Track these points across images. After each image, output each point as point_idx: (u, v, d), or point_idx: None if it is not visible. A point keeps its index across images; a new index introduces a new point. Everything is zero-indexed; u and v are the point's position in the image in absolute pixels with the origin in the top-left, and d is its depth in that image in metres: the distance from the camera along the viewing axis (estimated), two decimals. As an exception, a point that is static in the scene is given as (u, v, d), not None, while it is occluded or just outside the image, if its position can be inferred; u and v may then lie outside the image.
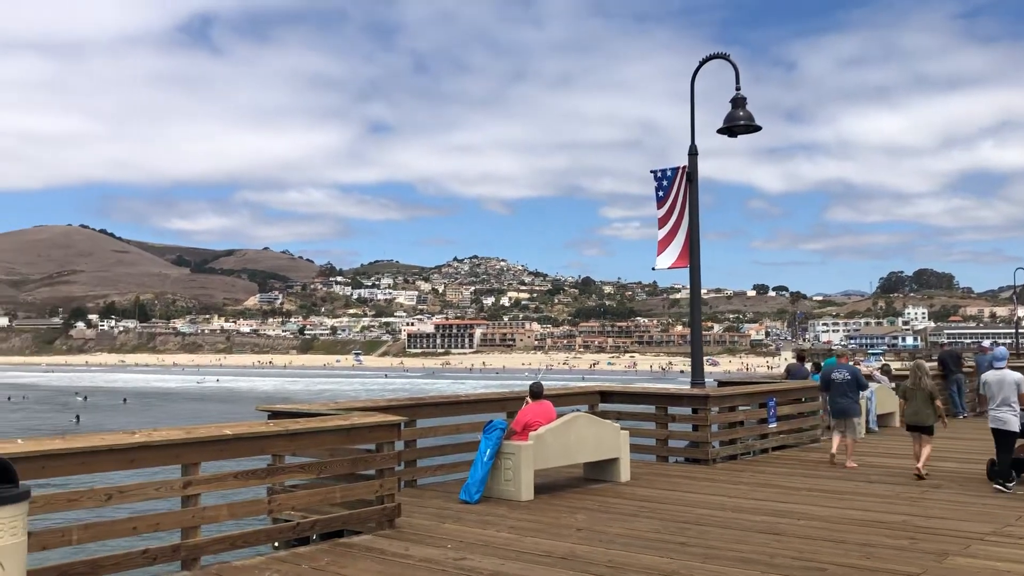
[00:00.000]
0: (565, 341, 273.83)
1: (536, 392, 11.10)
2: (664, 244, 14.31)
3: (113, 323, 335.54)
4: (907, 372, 14.78)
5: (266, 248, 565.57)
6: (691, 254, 14.25)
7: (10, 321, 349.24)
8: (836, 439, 13.80)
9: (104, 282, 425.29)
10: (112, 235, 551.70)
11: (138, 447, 6.86)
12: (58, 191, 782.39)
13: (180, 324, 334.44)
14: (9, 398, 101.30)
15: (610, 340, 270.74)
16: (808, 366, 19.46)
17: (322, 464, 8.46)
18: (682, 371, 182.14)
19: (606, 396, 14.35)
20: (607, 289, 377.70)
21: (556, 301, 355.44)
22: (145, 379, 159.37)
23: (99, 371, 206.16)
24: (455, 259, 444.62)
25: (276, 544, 8.50)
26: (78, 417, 70.28)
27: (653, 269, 14.49)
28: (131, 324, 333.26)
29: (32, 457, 6.16)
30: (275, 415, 9.78)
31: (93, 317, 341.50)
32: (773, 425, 15.08)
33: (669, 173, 14.41)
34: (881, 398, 18.75)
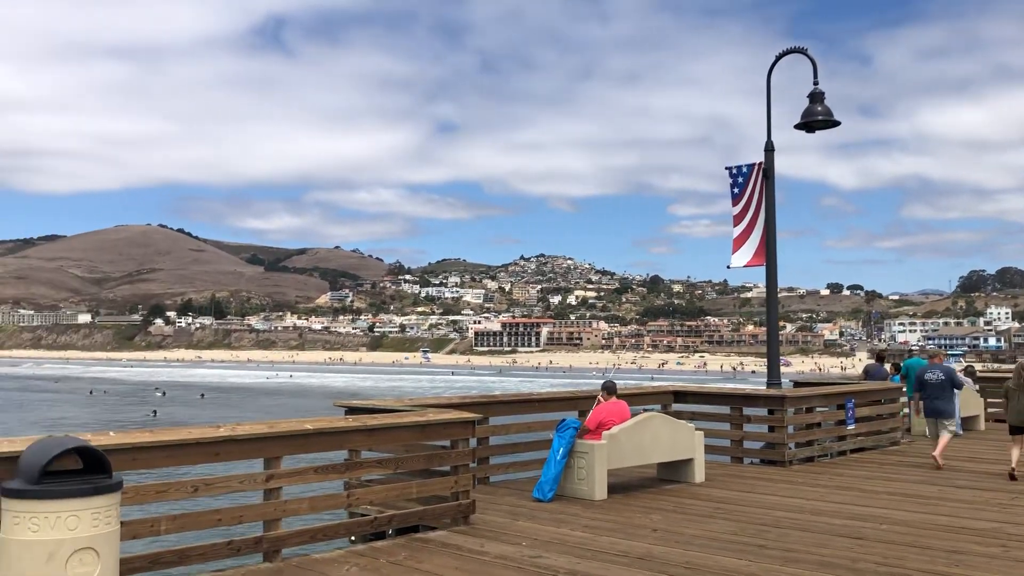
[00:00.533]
0: (633, 340, 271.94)
1: (610, 389, 11.05)
2: (739, 242, 14.10)
3: (190, 320, 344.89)
4: (992, 375, 14.32)
5: (337, 247, 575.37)
6: (767, 252, 14.01)
7: (92, 318, 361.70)
8: (943, 440, 13.46)
9: (182, 280, 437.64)
10: (189, 234, 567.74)
11: (223, 441, 7.02)
12: (138, 192, 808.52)
13: (254, 321, 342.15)
14: (91, 392, 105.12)
15: (679, 339, 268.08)
16: (887, 367, 18.96)
17: (398, 459, 8.56)
18: (753, 371, 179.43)
19: (680, 396, 14.20)
20: (676, 288, 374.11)
21: (624, 300, 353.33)
22: (221, 374, 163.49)
23: (177, 367, 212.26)
24: (522, 257, 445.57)
25: (353, 538, 8.62)
26: (155, 412, 72.39)
27: (728, 267, 14.31)
28: (207, 321, 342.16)
29: (123, 449, 6.35)
30: (352, 411, 9.91)
31: (171, 314, 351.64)
32: (851, 427, 14.74)
33: (744, 169, 14.19)
34: (965, 400, 18.14)
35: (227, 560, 7.07)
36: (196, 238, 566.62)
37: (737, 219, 14.18)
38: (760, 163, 14.17)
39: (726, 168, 14.41)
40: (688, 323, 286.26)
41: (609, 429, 10.60)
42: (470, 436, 8.93)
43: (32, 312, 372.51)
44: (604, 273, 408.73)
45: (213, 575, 6.89)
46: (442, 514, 8.63)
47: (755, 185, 14.09)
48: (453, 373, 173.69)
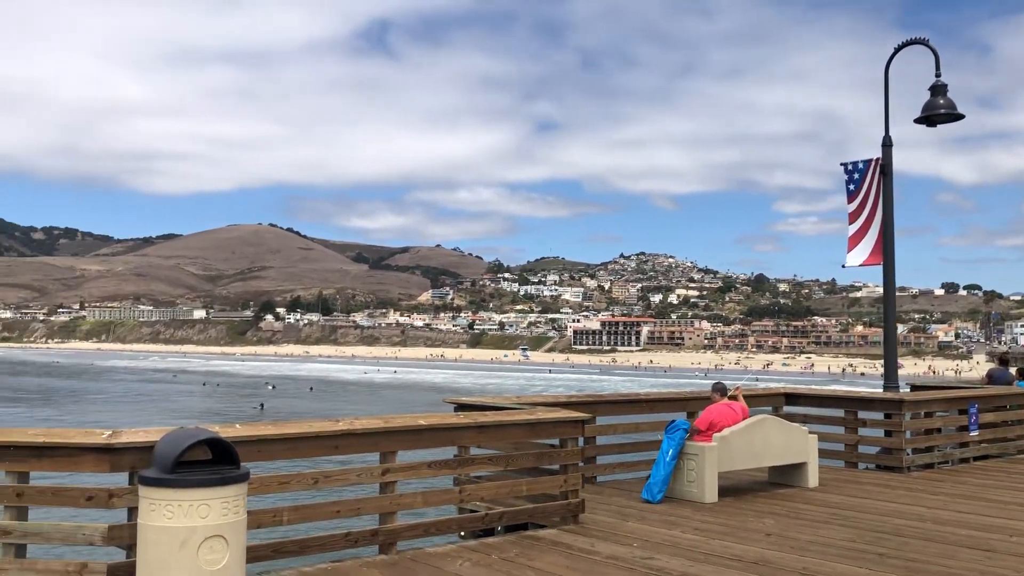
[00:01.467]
0: (736, 340, 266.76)
1: (722, 390, 10.88)
2: (855, 240, 13.66)
3: (298, 316, 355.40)
4: None
5: (438, 245, 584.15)
6: (885, 251, 13.52)
7: (207, 313, 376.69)
8: None
9: (291, 278, 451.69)
10: (298, 233, 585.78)
11: (341, 434, 7.22)
12: (250, 192, 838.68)
13: (359, 318, 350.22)
14: (204, 384, 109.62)
15: (785, 340, 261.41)
16: (1012, 371, 18.03)
17: (509, 457, 8.62)
18: (863, 374, 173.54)
19: (791, 398, 13.84)
20: (782, 287, 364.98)
21: (727, 299, 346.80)
22: (327, 369, 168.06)
23: (287, 361, 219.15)
24: (621, 256, 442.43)
25: (462, 533, 8.74)
26: (262, 405, 74.87)
27: (843, 267, 13.88)
28: (314, 317, 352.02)
29: (249, 441, 6.59)
30: (461, 407, 10.03)
31: (280, 310, 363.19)
32: (975, 433, 14.08)
33: (861, 166, 13.74)
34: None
35: (345, 551, 7.27)
36: (304, 237, 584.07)
37: (853, 217, 13.74)
38: (877, 159, 13.69)
39: (841, 164, 13.98)
40: (794, 323, 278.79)
41: (720, 431, 10.43)
42: (579, 435, 8.92)
43: (151, 308, 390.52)
44: (707, 271, 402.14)
45: (331, 565, 7.09)
46: (552, 512, 8.66)
47: (872, 181, 13.62)
48: (551, 371, 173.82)
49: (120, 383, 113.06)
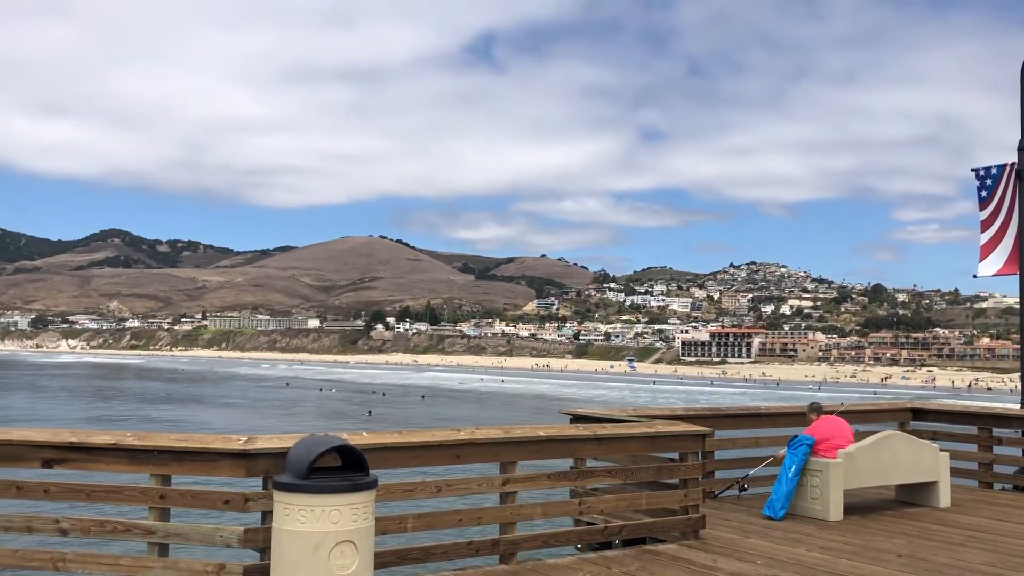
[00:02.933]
0: (853, 353, 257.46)
1: (818, 410, 10.67)
2: (988, 249, 13.01)
3: (407, 326, 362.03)
4: None
5: (543, 256, 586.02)
6: (1021, 260, 12.82)
7: (321, 323, 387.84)
8: None
9: (400, 288, 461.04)
10: (407, 245, 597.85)
11: (463, 444, 7.31)
12: (361, 205, 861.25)
13: (466, 327, 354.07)
14: (320, 390, 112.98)
15: (904, 352, 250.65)
16: None
17: (628, 470, 8.55)
18: (989, 388, 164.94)
19: (919, 414, 13.25)
20: (901, 297, 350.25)
21: (843, 309, 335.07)
22: (435, 377, 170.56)
23: (397, 369, 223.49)
24: (731, 265, 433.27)
25: (579, 546, 8.71)
26: (370, 412, 76.43)
27: (975, 276, 13.22)
28: (423, 327, 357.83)
29: (376, 449, 6.74)
30: (577, 419, 10.02)
31: (390, 320, 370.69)
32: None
33: (994, 171, 13.09)
34: None
35: (467, 560, 7.35)
36: (413, 248, 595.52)
37: (985, 224, 13.10)
38: (1012, 163, 13.01)
39: (972, 170, 13.35)
40: (914, 335, 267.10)
41: (842, 447, 10.10)
42: (700, 449, 8.78)
43: (268, 317, 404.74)
44: (821, 281, 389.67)
45: (454, 573, 7.17)
46: (671, 527, 8.54)
47: (1006, 187, 12.95)
48: (655, 382, 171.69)
49: (240, 389, 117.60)
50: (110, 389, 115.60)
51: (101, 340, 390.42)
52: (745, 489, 10.76)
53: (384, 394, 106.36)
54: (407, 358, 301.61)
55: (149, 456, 6.47)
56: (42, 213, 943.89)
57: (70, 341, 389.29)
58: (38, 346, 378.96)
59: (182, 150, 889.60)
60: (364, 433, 7.04)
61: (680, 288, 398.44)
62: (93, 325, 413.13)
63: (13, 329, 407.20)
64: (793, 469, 9.97)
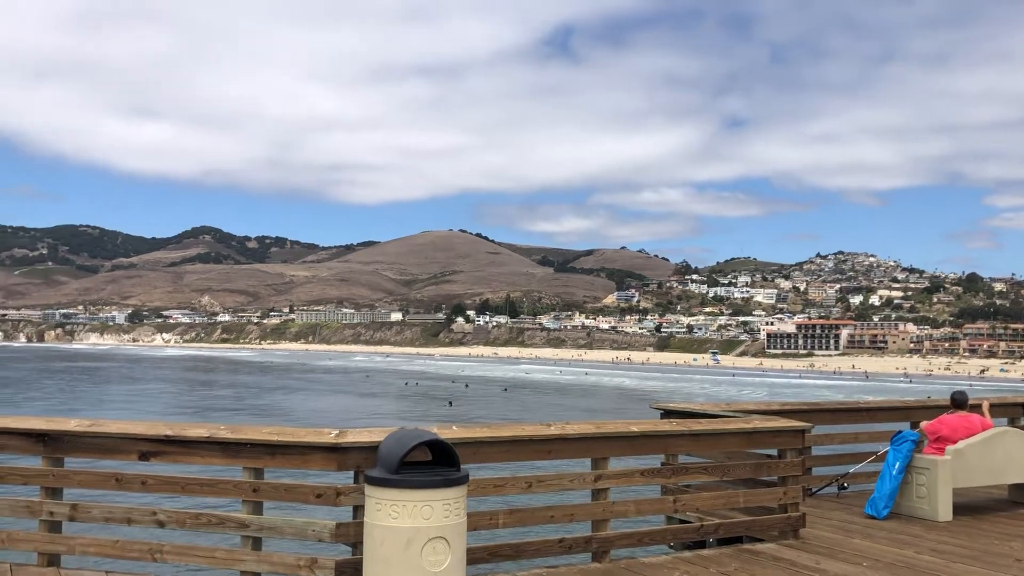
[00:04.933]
0: (947, 344, 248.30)
1: (960, 402, 9.99)
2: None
3: (487, 318, 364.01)
4: None
5: (623, 247, 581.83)
6: None
7: (403, 316, 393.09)
8: None
9: (479, 281, 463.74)
10: (486, 238, 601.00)
11: (554, 439, 7.13)
12: (441, 200, 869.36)
13: (545, 320, 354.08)
14: (406, 383, 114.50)
15: (1002, 344, 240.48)
16: None
17: (725, 467, 8.26)
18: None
19: (1032, 409, 12.54)
20: (998, 286, 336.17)
21: (935, 300, 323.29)
22: (517, 369, 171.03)
23: (479, 361, 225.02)
24: (818, 255, 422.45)
25: (672, 544, 8.45)
26: (450, 402, 76.92)
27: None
28: (503, 320, 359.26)
29: (466, 443, 6.62)
30: (668, 413, 9.74)
31: (470, 313, 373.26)
32: None
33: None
34: None
35: (559, 557, 7.18)
36: (492, 241, 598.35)
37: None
38: None
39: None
40: (1013, 325, 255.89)
41: (953, 444, 9.57)
42: (799, 445, 8.42)
43: (352, 311, 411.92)
44: (912, 271, 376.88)
45: (547, 571, 7.01)
46: (770, 526, 8.21)
47: None
48: (734, 375, 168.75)
49: (326, 381, 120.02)
50: (202, 382, 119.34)
51: (193, 334, 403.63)
52: (845, 488, 10.32)
53: (467, 386, 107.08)
54: (487, 351, 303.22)
55: (242, 449, 6.48)
56: (137, 212, 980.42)
57: (164, 335, 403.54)
58: (134, 340, 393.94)
59: (269, 149, 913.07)
60: (454, 427, 6.93)
61: (765, 279, 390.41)
62: (186, 319, 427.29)
63: (111, 324, 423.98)
64: (897, 466, 9.52)
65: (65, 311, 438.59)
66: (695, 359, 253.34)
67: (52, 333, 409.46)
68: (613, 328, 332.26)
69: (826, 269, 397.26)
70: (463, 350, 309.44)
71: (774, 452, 8.43)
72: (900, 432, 9.82)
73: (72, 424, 6.91)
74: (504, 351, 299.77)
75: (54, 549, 6.82)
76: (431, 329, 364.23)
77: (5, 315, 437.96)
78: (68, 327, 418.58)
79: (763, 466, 8.37)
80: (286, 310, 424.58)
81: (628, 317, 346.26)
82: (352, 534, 6.26)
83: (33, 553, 6.89)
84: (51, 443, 6.86)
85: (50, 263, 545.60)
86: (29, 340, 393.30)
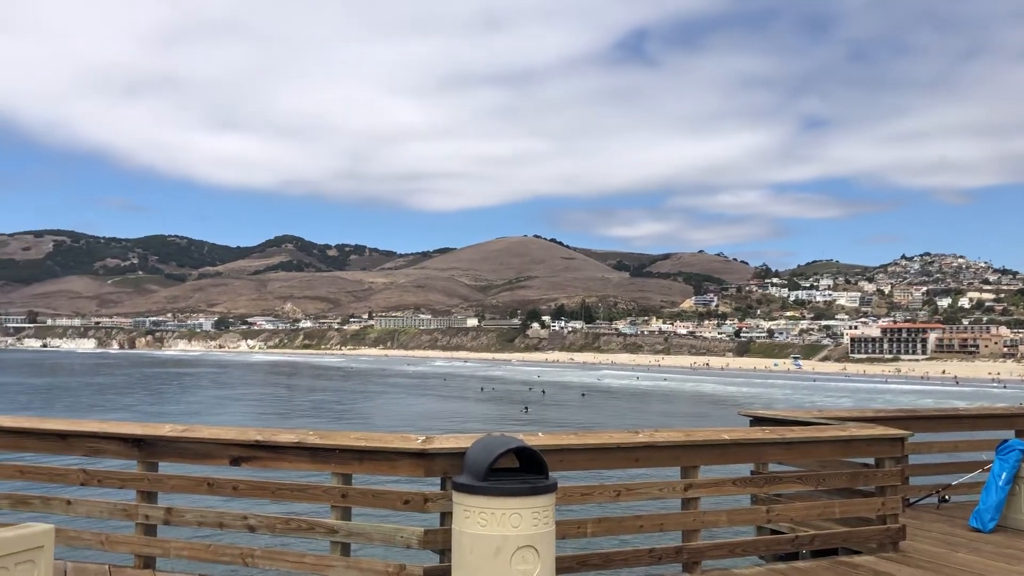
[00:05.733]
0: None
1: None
2: None
3: (562, 324, 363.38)
4: None
5: (700, 251, 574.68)
6: None
7: (479, 321, 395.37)
8: None
9: (554, 287, 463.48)
10: (561, 243, 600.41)
11: (642, 447, 6.98)
12: (515, 206, 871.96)
13: (621, 325, 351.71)
14: (482, 389, 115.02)
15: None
16: None
17: (819, 476, 7.96)
18: None
19: None
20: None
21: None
22: (593, 375, 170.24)
23: (555, 367, 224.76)
24: (903, 257, 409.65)
25: (763, 555, 8.20)
26: (526, 408, 76.84)
27: None
28: (578, 325, 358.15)
29: (552, 450, 6.51)
30: (757, 420, 9.47)
31: (546, 318, 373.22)
32: None
33: None
34: None
35: (649, 567, 7.02)
36: (567, 247, 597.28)
37: None
38: None
39: None
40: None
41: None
42: (898, 454, 8.08)
43: (429, 316, 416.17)
44: (1004, 272, 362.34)
45: (635, 582, 6.88)
46: (868, 538, 7.89)
47: None
48: (815, 380, 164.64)
49: (405, 386, 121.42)
50: (288, 386, 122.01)
51: (277, 340, 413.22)
52: (947, 500, 9.87)
53: (544, 392, 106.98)
54: (563, 356, 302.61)
55: (331, 455, 6.51)
56: (222, 222, 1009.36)
57: (249, 341, 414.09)
58: (220, 346, 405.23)
59: (347, 159, 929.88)
60: (540, 434, 6.83)
61: (848, 282, 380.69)
62: (269, 326, 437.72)
63: (198, 331, 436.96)
64: (1004, 477, 9.05)
65: (155, 319, 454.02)
66: (776, 364, 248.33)
67: (143, 340, 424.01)
68: (691, 333, 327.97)
69: (912, 271, 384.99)
70: (539, 355, 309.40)
71: (870, 461, 8.11)
72: (1006, 441, 9.34)
73: (166, 429, 7.05)
74: (580, 356, 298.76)
75: (150, 552, 6.96)
76: (507, 334, 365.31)
77: (99, 323, 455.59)
78: (158, 334, 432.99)
79: (860, 475, 8.04)
80: (365, 316, 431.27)
81: (706, 322, 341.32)
82: (440, 541, 6.22)
83: (130, 555, 7.04)
84: (146, 448, 7.01)
85: (140, 272, 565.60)
86: (121, 347, 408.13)
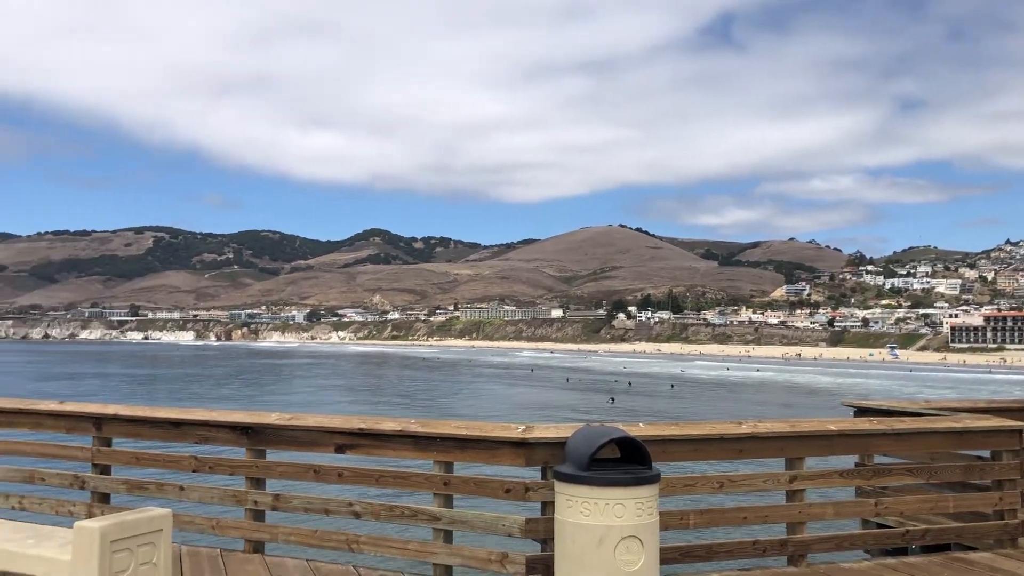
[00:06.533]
0: None
1: None
2: None
3: (649, 314, 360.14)
4: None
5: (791, 239, 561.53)
6: None
7: (564, 313, 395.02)
8: None
9: (640, 276, 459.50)
10: (647, 232, 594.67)
11: (746, 438, 6.85)
12: (600, 195, 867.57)
13: (710, 315, 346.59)
14: (567, 379, 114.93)
15: None
16: None
17: (931, 468, 7.68)
18: None
19: None
20: None
21: None
22: (680, 365, 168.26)
23: (641, 358, 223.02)
24: (1007, 242, 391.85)
25: (870, 549, 7.96)
26: (612, 399, 76.37)
27: None
28: (665, 315, 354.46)
29: (654, 441, 6.45)
30: (862, 411, 9.19)
31: (632, 309, 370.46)
32: None
33: None
34: None
35: (753, 559, 6.90)
36: (653, 236, 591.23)
37: None
38: None
39: None
40: None
41: None
42: (1017, 447, 7.73)
43: (514, 308, 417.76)
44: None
45: (740, 573, 6.76)
46: (984, 534, 7.58)
47: None
48: (911, 370, 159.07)
49: (492, 376, 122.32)
50: (378, 375, 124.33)
51: (366, 331, 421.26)
52: None
53: (630, 383, 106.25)
54: (650, 347, 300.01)
55: (433, 443, 6.59)
56: (313, 217, 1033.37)
57: (339, 333, 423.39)
58: (312, 337, 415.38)
59: (433, 153, 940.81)
60: (641, 424, 6.78)
61: (947, 269, 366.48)
62: (359, 317, 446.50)
63: (291, 323, 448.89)
64: None
65: (249, 311, 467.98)
66: (871, 354, 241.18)
67: (238, 332, 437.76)
68: (782, 323, 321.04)
69: (1017, 256, 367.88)
70: (625, 346, 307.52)
71: (985, 454, 7.79)
72: None
73: (273, 417, 7.24)
74: (667, 347, 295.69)
75: (259, 536, 7.18)
76: (592, 325, 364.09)
77: (197, 316, 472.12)
78: (252, 326, 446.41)
79: (975, 468, 7.74)
80: (451, 307, 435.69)
81: (798, 311, 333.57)
82: (542, 530, 6.23)
83: (240, 540, 7.27)
84: (254, 435, 7.23)
85: (235, 266, 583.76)
86: (219, 339, 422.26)
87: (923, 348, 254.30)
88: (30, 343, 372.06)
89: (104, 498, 7.82)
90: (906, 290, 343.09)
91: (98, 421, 7.85)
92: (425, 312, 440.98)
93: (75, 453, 8.04)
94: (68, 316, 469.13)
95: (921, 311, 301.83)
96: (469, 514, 6.53)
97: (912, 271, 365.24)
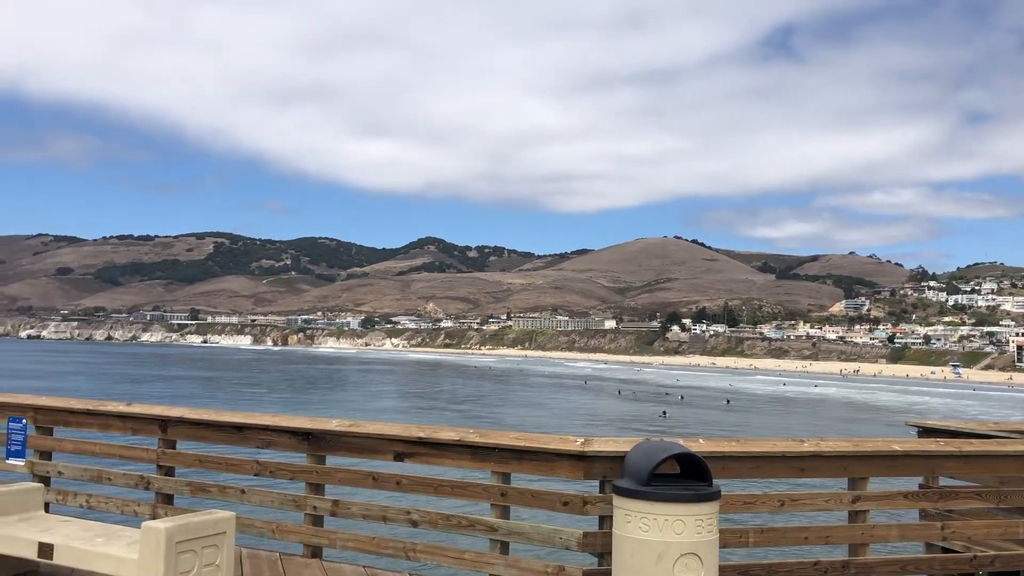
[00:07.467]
0: None
1: None
2: None
3: (704, 327, 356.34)
4: None
5: (851, 253, 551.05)
6: None
7: (617, 324, 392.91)
8: None
9: (695, 289, 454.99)
10: (703, 244, 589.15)
11: (808, 456, 6.74)
12: (655, 206, 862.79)
13: (766, 329, 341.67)
14: (619, 392, 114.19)
15: None
16: None
17: (1001, 492, 7.46)
18: None
19: None
20: None
21: None
22: (735, 379, 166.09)
23: (696, 371, 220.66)
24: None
25: (934, 575, 7.75)
26: (664, 412, 75.62)
27: None
28: (720, 328, 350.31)
29: (714, 457, 6.38)
30: (927, 432, 8.99)
31: (686, 321, 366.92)
32: None
33: None
34: None
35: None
36: (709, 248, 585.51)
37: None
38: None
39: None
40: None
41: None
42: (1094, 472, 7.47)
43: (567, 318, 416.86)
44: None
45: (799, 595, 6.63)
46: (1056, 562, 7.34)
47: None
48: (975, 389, 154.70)
49: (545, 387, 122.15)
50: (431, 383, 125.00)
51: (419, 339, 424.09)
52: None
53: (682, 397, 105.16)
54: (705, 360, 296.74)
55: (490, 454, 6.60)
56: (369, 224, 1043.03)
57: (393, 340, 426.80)
58: (367, 344, 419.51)
59: (488, 162, 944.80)
60: (700, 440, 6.70)
61: (1014, 286, 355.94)
62: (412, 325, 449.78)
63: (346, 329, 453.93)
64: None
65: (306, 317, 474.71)
66: (932, 372, 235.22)
67: (295, 337, 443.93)
68: (840, 338, 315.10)
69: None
70: (680, 359, 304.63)
71: (1059, 479, 7.53)
72: None
73: (333, 424, 7.33)
74: (722, 360, 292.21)
75: (317, 542, 7.27)
76: (645, 337, 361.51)
77: (255, 320, 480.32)
78: (309, 332, 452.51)
79: (1046, 494, 7.49)
80: (504, 317, 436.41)
81: (857, 327, 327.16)
82: (599, 544, 6.20)
83: (299, 544, 7.37)
84: (315, 441, 7.33)
85: (293, 272, 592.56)
86: (275, 343, 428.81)
87: (988, 367, 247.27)
88: (94, 344, 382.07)
89: (168, 499, 8.00)
90: (970, 307, 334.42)
91: (163, 423, 8.04)
92: (478, 321, 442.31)
93: (141, 454, 8.25)
94: (130, 319, 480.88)
95: (986, 329, 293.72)
96: (526, 526, 6.52)
97: (977, 288, 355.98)
